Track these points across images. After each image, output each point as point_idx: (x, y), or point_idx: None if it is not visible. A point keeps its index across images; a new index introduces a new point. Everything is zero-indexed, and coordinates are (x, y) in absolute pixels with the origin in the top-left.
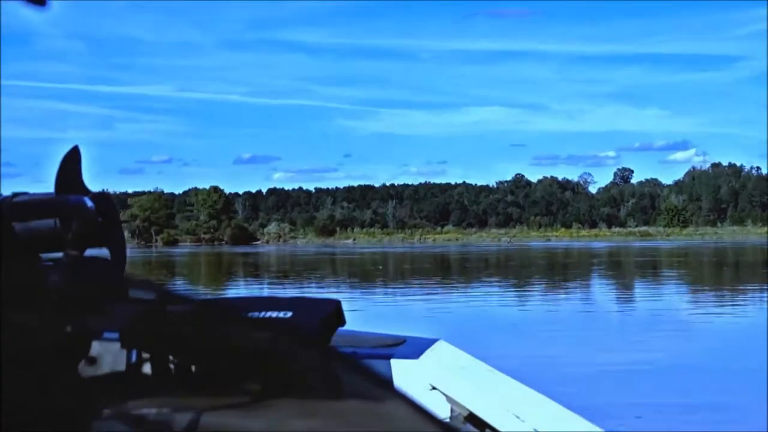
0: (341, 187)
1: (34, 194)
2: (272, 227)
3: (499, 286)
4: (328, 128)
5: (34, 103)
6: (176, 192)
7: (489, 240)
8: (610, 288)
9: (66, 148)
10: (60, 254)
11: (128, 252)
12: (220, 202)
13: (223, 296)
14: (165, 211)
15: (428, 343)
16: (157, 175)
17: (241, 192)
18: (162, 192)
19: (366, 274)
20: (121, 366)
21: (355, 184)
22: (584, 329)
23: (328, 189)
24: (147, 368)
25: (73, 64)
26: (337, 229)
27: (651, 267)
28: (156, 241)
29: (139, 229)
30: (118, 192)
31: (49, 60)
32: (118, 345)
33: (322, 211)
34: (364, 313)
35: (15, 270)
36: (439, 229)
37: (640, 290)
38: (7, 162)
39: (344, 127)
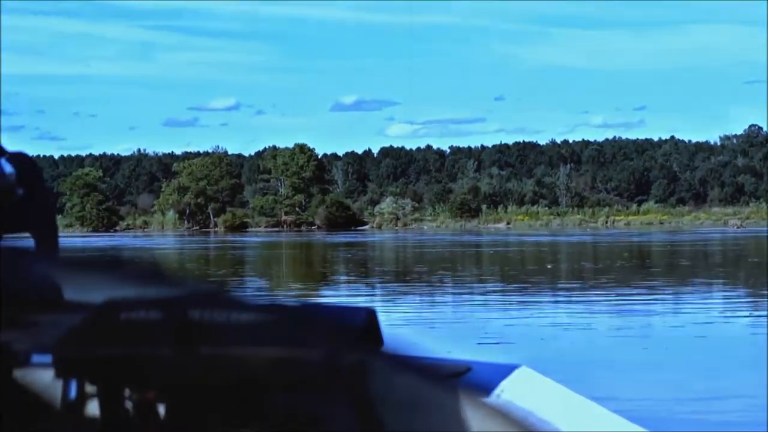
0: (490, 145)
1: None
2: (387, 205)
3: (726, 296)
4: (472, 59)
5: (41, 24)
6: (245, 153)
7: (710, 223)
8: None
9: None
10: None
11: (171, 240)
12: (309, 168)
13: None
14: (228, 181)
15: (504, 370)
16: (219, 128)
17: (341, 153)
18: (225, 153)
19: (527, 276)
20: (56, 403)
21: (511, 141)
22: None
23: (470, 148)
24: (93, 407)
25: None
26: (484, 207)
27: None
28: (215, 224)
29: (189, 208)
30: (159, 153)
31: None
32: (51, 373)
33: (462, 181)
34: (515, 347)
35: None
36: (635, 207)
37: None
38: (4, 110)
39: (496, 57)
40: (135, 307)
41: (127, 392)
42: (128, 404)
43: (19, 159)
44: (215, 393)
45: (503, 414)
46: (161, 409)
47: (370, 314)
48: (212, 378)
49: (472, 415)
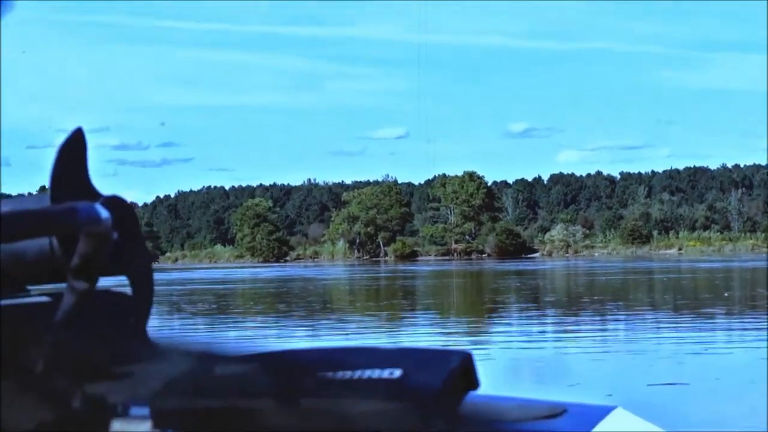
0: (660, 170)
1: (23, 199)
2: (557, 231)
3: None
4: (640, 84)
5: (205, 55)
6: (415, 182)
7: None
8: None
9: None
10: (57, 286)
11: (340, 270)
12: (479, 196)
13: (300, 347)
14: (398, 210)
15: (599, 412)
16: (388, 156)
17: (511, 180)
18: (394, 182)
19: (702, 304)
20: None
21: (681, 166)
22: None
23: (640, 174)
24: None
25: None
26: (654, 233)
27: None
28: (385, 254)
29: (359, 237)
30: (329, 182)
31: None
32: (149, 424)
33: (632, 207)
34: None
35: None
36: None
37: None
38: (171, 141)
39: (664, 82)
40: (234, 360)
41: None
42: None
43: (114, 203)
44: None
45: None
46: None
47: (466, 358)
48: (311, 430)
49: None
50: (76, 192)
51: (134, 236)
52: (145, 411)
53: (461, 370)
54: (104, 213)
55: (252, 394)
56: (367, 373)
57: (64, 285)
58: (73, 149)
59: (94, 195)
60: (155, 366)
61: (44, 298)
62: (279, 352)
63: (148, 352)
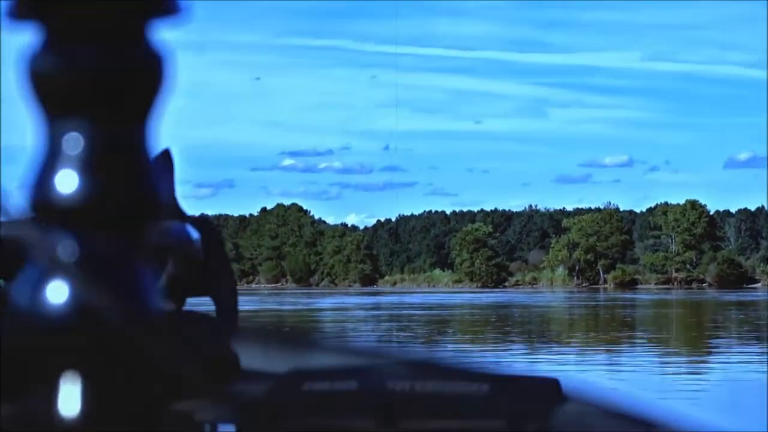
0: None
1: None
2: None
3: None
4: None
5: (431, 80)
6: (637, 210)
7: None
8: None
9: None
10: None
11: (559, 296)
12: (700, 225)
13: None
14: (619, 237)
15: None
16: (612, 184)
17: (733, 210)
18: (616, 209)
19: None
20: None
21: None
22: None
23: None
24: None
25: (488, 20)
26: None
27: None
28: (604, 281)
29: (579, 264)
30: (551, 209)
31: (455, 15)
32: None
33: None
34: None
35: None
36: None
37: None
38: (395, 166)
39: None
40: (325, 377)
41: None
42: None
43: (201, 223)
44: None
45: None
46: None
47: (553, 383)
48: None
49: None
50: (164, 212)
51: (220, 257)
52: (231, 430)
53: (547, 395)
54: (194, 234)
55: (344, 414)
56: None
57: None
58: (161, 169)
59: (181, 215)
60: (242, 386)
61: None
62: (379, 369)
63: (234, 372)
